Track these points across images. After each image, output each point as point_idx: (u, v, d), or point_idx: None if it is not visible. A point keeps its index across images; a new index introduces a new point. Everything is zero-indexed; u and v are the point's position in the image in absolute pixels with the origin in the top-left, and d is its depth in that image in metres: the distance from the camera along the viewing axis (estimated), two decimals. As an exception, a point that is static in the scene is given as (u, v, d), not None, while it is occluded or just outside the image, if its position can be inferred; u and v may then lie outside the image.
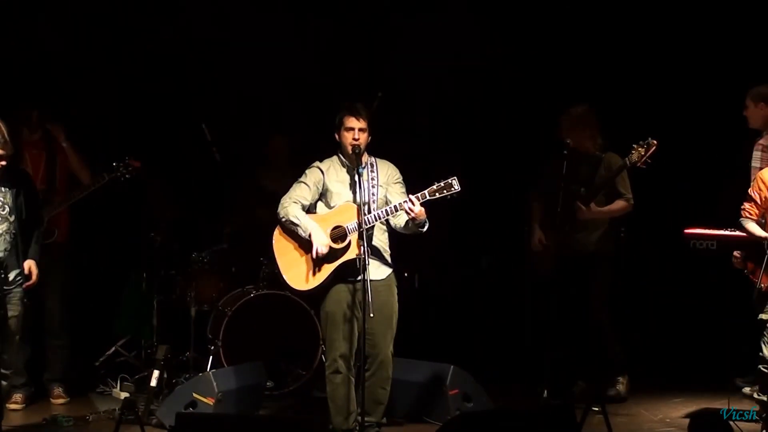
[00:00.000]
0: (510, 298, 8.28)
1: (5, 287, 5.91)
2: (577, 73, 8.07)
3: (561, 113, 7.10)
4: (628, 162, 6.74)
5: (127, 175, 6.88)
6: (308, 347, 7.31)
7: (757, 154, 6.64)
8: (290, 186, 6.24)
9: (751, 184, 5.95)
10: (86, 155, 7.21)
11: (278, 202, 6.19)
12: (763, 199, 5.86)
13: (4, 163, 5.86)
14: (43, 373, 7.18)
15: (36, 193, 6.29)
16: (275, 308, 7.37)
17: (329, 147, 6.26)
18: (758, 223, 5.87)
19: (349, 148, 6.11)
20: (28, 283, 6.07)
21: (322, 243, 6.04)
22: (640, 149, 6.66)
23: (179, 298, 7.63)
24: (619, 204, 7.03)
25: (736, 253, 5.95)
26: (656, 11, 8.01)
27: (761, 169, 6.26)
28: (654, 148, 6.64)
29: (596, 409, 5.63)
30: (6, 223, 5.95)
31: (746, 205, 5.92)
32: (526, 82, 8.28)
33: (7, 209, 5.94)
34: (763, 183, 5.85)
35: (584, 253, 7.00)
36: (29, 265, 6.07)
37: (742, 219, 5.91)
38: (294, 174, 6.30)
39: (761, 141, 6.68)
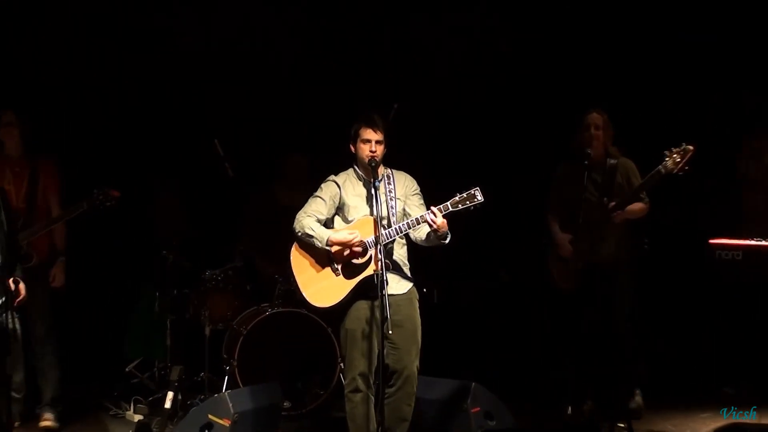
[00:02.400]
0: (530, 311, 8.27)
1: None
2: (592, 78, 8.10)
3: (574, 120, 7.09)
4: (662, 170, 6.56)
5: (107, 203, 6.80)
6: (326, 366, 7.30)
7: None
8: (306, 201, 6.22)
9: None
10: (93, 172, 7.27)
11: (294, 218, 6.15)
12: None
13: None
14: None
15: (10, 212, 6.07)
16: (291, 326, 7.35)
17: (345, 161, 6.23)
18: None
19: (366, 161, 6.06)
20: (19, 299, 5.88)
21: (344, 236, 5.90)
22: (675, 156, 6.51)
23: (193, 317, 7.61)
24: (639, 206, 7.00)
25: None
26: (664, 15, 8.10)
27: None
28: (691, 153, 6.48)
29: (622, 426, 5.77)
30: None
31: None
32: (545, 91, 8.28)
33: None
34: None
35: (606, 264, 6.93)
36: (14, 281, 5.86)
37: None
38: (312, 191, 6.27)
39: None
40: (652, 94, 8.15)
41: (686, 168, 6.54)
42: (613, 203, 6.90)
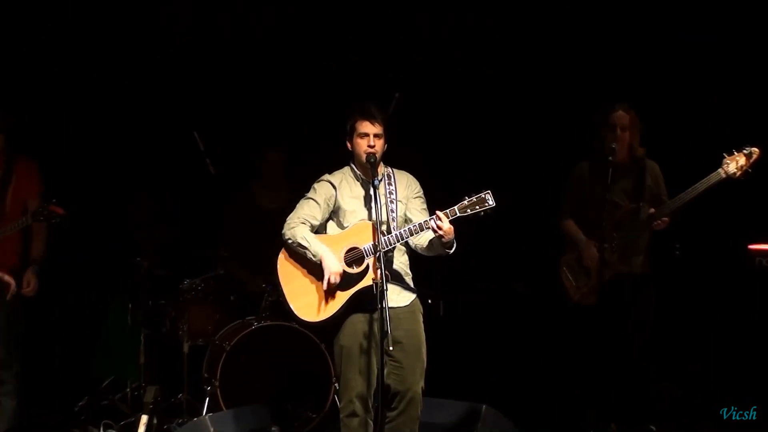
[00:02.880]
0: (548, 327, 8.11)
1: None
2: (610, 72, 8.00)
3: (593, 114, 7.02)
4: (723, 173, 6.53)
5: (53, 221, 6.76)
6: (319, 386, 7.15)
7: None
8: (290, 204, 6.10)
9: None
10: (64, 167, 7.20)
11: (279, 221, 6.02)
12: None
13: None
14: None
15: None
16: (280, 342, 7.20)
17: (337, 159, 6.10)
18: None
19: (364, 157, 5.93)
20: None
21: (334, 271, 5.85)
22: (738, 158, 6.50)
23: (170, 331, 7.50)
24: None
25: None
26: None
27: None
28: (756, 156, 6.49)
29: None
30: None
31: None
32: (558, 85, 8.17)
33: None
34: None
35: (628, 276, 6.88)
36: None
37: None
38: (291, 192, 6.22)
39: None
40: (657, 93, 8.03)
41: (750, 171, 6.53)
42: (652, 210, 6.86)
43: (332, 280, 5.84)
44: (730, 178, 6.52)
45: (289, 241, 5.96)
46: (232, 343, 7.18)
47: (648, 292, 6.93)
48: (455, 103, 8.29)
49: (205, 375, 7.32)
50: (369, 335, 5.88)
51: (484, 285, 8.46)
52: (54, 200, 6.74)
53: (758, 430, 6.93)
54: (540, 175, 8.12)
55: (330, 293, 5.89)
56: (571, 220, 7.13)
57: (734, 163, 6.49)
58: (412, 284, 6.06)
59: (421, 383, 5.95)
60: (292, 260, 5.99)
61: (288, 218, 6.01)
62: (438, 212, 5.77)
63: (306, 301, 5.94)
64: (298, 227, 5.95)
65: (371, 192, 5.89)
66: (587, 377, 7.02)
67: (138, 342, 7.43)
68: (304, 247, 5.91)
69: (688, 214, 6.90)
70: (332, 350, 6.09)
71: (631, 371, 6.87)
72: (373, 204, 5.87)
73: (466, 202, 5.78)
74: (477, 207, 5.77)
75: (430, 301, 7.45)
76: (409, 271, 6.06)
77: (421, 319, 6.04)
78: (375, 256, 5.80)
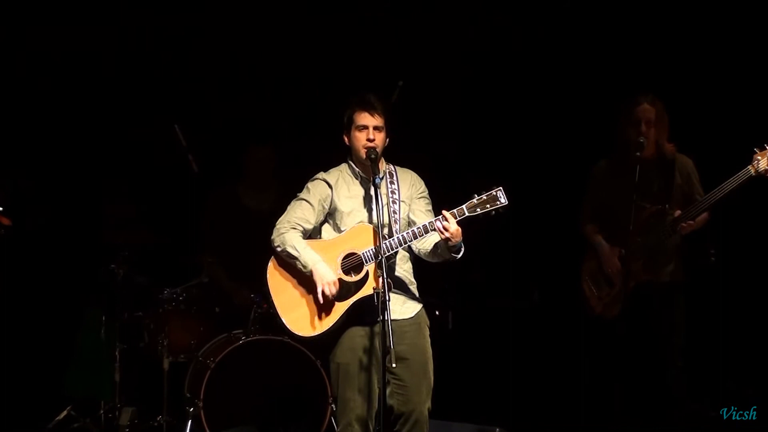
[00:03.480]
0: (567, 341, 8.01)
1: None
2: (633, 60, 7.93)
3: (614, 106, 6.97)
4: (753, 170, 6.47)
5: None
6: (314, 408, 7.07)
7: None
8: (280, 205, 6.01)
9: None
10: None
11: (268, 224, 5.93)
12: None
13: None
14: None
15: None
16: (271, 358, 7.10)
17: (334, 155, 6.00)
18: None
19: (363, 153, 5.78)
20: None
21: (328, 280, 5.72)
22: None
23: (148, 346, 7.46)
24: (704, 214, 6.87)
25: None
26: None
27: None
28: None
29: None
30: None
31: None
32: (580, 74, 8.09)
33: None
34: None
35: (664, 285, 6.83)
36: None
37: None
38: (281, 192, 6.17)
39: None
40: (682, 83, 7.91)
41: None
42: (678, 212, 6.78)
43: (327, 291, 5.72)
44: (761, 176, 6.47)
45: (279, 249, 5.84)
46: (217, 360, 7.05)
47: (677, 302, 6.87)
48: (464, 93, 8.21)
49: (188, 395, 7.22)
50: (369, 351, 5.78)
51: (497, 295, 8.42)
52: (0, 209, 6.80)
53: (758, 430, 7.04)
54: (559, 173, 8.05)
55: (326, 304, 5.76)
56: (591, 225, 7.08)
57: (765, 159, 6.44)
58: (417, 294, 5.93)
59: (428, 404, 5.86)
60: (283, 268, 5.87)
61: (278, 222, 5.90)
62: (444, 212, 5.64)
63: (299, 314, 5.81)
64: (288, 233, 5.84)
65: (372, 191, 5.77)
66: (611, 398, 6.94)
67: (113, 358, 7.37)
68: (294, 257, 5.80)
69: (725, 215, 6.91)
70: (329, 367, 5.97)
71: (660, 391, 6.84)
72: (373, 204, 5.76)
73: (475, 200, 5.64)
74: (488, 206, 5.63)
75: (437, 312, 7.49)
76: (413, 280, 5.94)
77: (428, 332, 5.91)
78: (376, 262, 5.69)
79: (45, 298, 8.02)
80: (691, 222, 6.70)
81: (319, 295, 5.75)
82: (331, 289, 5.72)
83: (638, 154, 6.67)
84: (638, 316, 6.83)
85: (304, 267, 5.79)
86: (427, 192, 5.99)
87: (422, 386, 5.82)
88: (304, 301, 5.83)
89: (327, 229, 5.92)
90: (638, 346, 6.85)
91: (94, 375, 7.63)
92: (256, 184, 7.77)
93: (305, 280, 5.83)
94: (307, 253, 5.79)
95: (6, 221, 6.70)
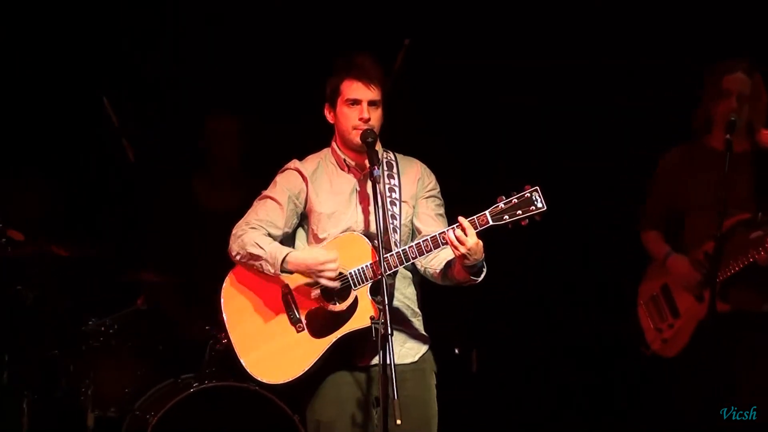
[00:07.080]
0: (618, 386, 7.99)
1: None
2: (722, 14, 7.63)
3: (695, 78, 6.83)
4: None
5: None
6: None
7: None
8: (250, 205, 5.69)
9: None
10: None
11: (224, 228, 5.64)
12: None
13: None
14: None
15: None
16: (232, 412, 6.92)
17: (318, 138, 5.74)
18: None
19: (354, 135, 5.54)
20: None
21: (323, 260, 5.52)
22: None
23: (67, 395, 7.21)
24: None
25: None
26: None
27: None
28: None
29: None
30: None
31: None
32: (638, 32, 7.90)
33: None
34: None
35: (749, 314, 6.67)
36: None
37: None
38: (251, 188, 5.84)
39: None
40: None
41: None
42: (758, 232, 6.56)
43: (329, 276, 5.52)
44: None
45: (238, 257, 5.56)
46: (159, 415, 6.84)
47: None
48: (491, 59, 7.95)
49: (121, 460, 6.71)
50: (364, 403, 5.63)
51: (532, 328, 8.21)
52: None
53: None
54: (610, 167, 7.94)
55: (299, 340, 5.57)
56: (655, 231, 6.94)
57: None
58: (422, 329, 5.66)
59: (431, 473, 5.51)
60: (242, 288, 5.67)
61: (234, 227, 5.62)
62: (461, 219, 5.32)
63: (264, 352, 5.62)
64: (248, 233, 5.59)
65: (368, 187, 5.57)
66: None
67: (17, 411, 7.17)
68: (258, 257, 5.53)
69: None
70: (306, 424, 5.78)
71: None
72: (372, 206, 5.53)
73: (502, 204, 5.39)
74: (519, 212, 5.39)
75: (457, 351, 7.57)
76: (417, 310, 5.65)
77: (434, 381, 5.69)
78: (368, 286, 5.51)
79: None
80: None
81: (330, 274, 5.54)
82: (333, 274, 5.54)
83: (728, 136, 6.50)
84: (713, 358, 6.74)
85: (272, 263, 5.52)
86: (438, 190, 5.73)
87: (421, 449, 5.43)
88: (270, 333, 5.61)
89: (301, 238, 5.70)
90: (712, 398, 6.76)
91: (-8, 430, 6.91)
92: (218, 175, 7.63)
93: (273, 305, 5.62)
94: (273, 247, 5.52)
95: None
